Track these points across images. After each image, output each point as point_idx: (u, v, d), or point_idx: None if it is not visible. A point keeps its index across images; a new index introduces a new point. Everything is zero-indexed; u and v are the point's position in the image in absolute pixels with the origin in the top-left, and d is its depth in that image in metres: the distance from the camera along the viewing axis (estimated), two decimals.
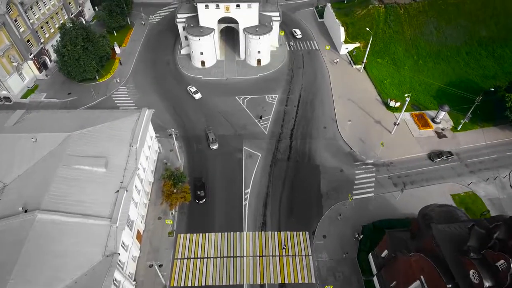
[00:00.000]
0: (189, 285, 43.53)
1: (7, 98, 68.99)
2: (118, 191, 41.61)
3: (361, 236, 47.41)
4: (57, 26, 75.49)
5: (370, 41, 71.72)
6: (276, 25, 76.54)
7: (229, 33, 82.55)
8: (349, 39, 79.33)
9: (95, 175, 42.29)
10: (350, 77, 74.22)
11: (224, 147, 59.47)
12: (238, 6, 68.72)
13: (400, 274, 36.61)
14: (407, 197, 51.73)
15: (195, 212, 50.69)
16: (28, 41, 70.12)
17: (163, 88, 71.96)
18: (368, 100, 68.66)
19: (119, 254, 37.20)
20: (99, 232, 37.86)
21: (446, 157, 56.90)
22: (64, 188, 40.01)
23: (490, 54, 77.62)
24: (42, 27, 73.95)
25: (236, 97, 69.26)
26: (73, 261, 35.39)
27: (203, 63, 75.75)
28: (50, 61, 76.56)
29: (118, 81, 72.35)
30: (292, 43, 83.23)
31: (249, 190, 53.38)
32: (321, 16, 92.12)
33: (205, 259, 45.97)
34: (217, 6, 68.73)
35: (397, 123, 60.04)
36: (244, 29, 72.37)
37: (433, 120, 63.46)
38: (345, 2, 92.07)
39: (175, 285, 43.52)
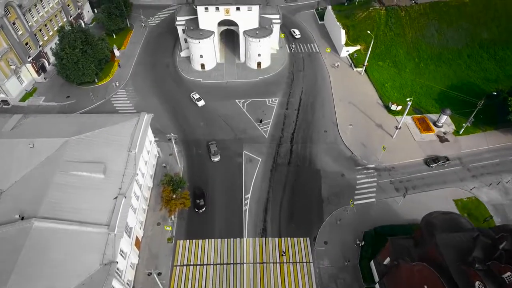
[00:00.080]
0: None
1: (5, 102, 68.43)
2: (116, 197, 41.02)
3: (363, 243, 46.81)
4: (56, 28, 74.84)
5: (371, 44, 71.16)
6: (276, 28, 76.02)
7: (229, 36, 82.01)
8: (350, 41, 78.78)
9: (93, 181, 41.71)
10: (351, 80, 73.65)
11: (225, 152, 58.79)
12: (238, 8, 68.18)
13: (402, 283, 36.01)
14: (409, 203, 51.14)
15: (194, 218, 50.09)
16: (26, 44, 69.56)
17: (162, 91, 71.38)
18: (369, 103, 68.09)
19: (117, 262, 36.60)
20: (97, 240, 37.27)
21: (442, 162, 56.19)
22: (62, 195, 39.44)
23: (492, 57, 77.18)
24: (40, 30, 73.38)
25: (236, 100, 68.69)
26: (70, 270, 34.80)
27: (203, 66, 75.20)
28: (49, 64, 75.98)
29: (117, 84, 71.76)
30: (293, 46, 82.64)
31: (249, 195, 52.80)
32: (322, 19, 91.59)
33: (205, 266, 45.37)
34: (217, 8, 68.21)
35: (399, 127, 59.49)
36: (244, 32, 71.84)
37: (435, 123, 62.88)
38: (346, 4, 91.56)
39: None
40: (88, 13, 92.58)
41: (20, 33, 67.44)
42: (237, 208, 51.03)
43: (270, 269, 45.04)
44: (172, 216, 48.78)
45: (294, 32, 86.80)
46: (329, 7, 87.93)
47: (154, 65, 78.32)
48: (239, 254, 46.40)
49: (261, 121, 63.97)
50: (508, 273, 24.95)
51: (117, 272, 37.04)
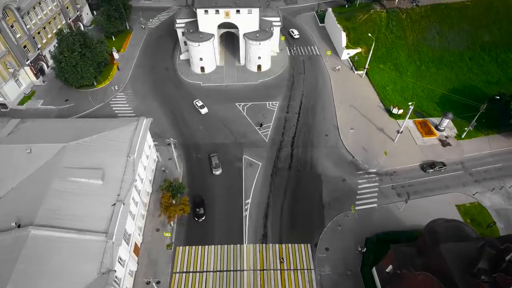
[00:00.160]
0: None
1: (3, 105, 67.74)
2: (114, 204, 40.41)
3: (364, 249, 46.20)
4: (54, 31, 74.10)
5: (373, 46, 70.61)
6: (276, 30, 75.46)
7: (229, 38, 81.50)
8: (351, 44, 78.26)
9: (91, 187, 41.10)
10: (352, 83, 73.11)
11: (225, 156, 58.15)
12: (238, 11, 67.66)
13: None
14: (411, 208, 50.55)
15: (194, 224, 49.44)
16: (25, 47, 68.98)
17: (162, 94, 70.78)
18: (370, 106, 67.53)
19: (115, 271, 35.98)
20: (94, 248, 36.65)
21: (439, 167, 55.48)
22: (59, 202, 38.83)
23: (494, 60, 76.69)
24: (39, 33, 72.77)
25: (236, 103, 68.10)
26: (67, 279, 34.18)
27: (202, 69, 74.64)
28: (48, 67, 75.37)
29: (116, 88, 71.12)
30: (294, 49, 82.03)
31: (249, 201, 52.17)
32: (322, 21, 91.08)
33: (204, 273, 44.72)
34: (217, 11, 67.67)
35: (400, 131, 58.89)
36: (244, 35, 71.30)
37: (436, 127, 62.34)
38: (346, 6, 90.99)
39: None
40: (87, 15, 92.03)
41: (18, 36, 66.86)
42: (237, 213, 50.40)
43: (271, 276, 44.39)
44: (172, 222, 48.15)
45: (293, 32, 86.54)
46: (330, 9, 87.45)
47: (154, 68, 77.75)
48: (239, 261, 45.76)
49: (261, 125, 63.38)
50: None
51: (115, 281, 36.40)
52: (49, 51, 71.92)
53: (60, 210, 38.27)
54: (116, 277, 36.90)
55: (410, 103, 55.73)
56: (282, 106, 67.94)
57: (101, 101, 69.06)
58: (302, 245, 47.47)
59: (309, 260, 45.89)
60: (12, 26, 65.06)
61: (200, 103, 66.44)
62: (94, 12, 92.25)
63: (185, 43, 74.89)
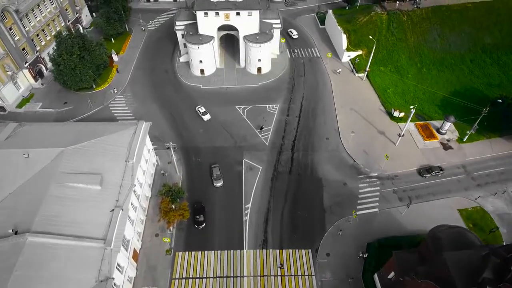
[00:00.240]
0: None
1: (1, 108, 67.26)
2: (113, 210, 39.89)
3: (366, 255, 45.69)
4: (53, 33, 73.59)
5: (373, 49, 70.17)
6: (277, 33, 75.03)
7: (229, 40, 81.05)
8: (351, 46, 77.83)
9: (89, 193, 40.56)
10: (353, 86, 72.65)
11: (225, 160, 57.69)
12: (238, 13, 67.21)
13: None
14: (413, 213, 50.09)
15: (193, 230, 48.88)
16: (23, 49, 68.47)
17: (161, 97, 70.27)
18: (371, 109, 67.05)
19: (114, 278, 35.44)
20: (92, 255, 36.11)
21: (436, 172, 54.89)
22: (57, 208, 38.30)
23: (495, 62, 76.28)
24: (38, 35, 72.27)
25: (236, 106, 67.61)
26: (65, 287, 33.62)
27: (202, 71, 74.16)
28: (46, 69, 74.86)
29: (115, 91, 70.57)
30: (295, 51, 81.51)
31: (249, 205, 51.65)
32: (323, 23, 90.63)
33: (204, 279, 44.19)
34: (217, 13, 67.24)
35: (402, 134, 58.40)
36: (244, 37, 70.85)
37: (438, 130, 61.84)
38: (347, 8, 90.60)
39: None
40: (86, 17, 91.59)
41: (16, 38, 66.36)
42: (237, 218, 49.87)
43: (271, 283, 43.86)
44: (171, 228, 47.62)
45: (292, 33, 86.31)
46: (330, 11, 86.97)
47: (153, 70, 77.27)
48: (239, 267, 45.23)
49: (261, 128, 62.88)
50: None
51: None
52: (48, 53, 71.48)
53: (58, 216, 37.73)
54: (114, 284, 36.37)
55: (412, 107, 55.21)
56: (283, 109, 67.47)
57: (100, 104, 68.58)
58: (303, 250, 46.95)
59: (310, 266, 45.36)
60: (10, 29, 64.58)
61: (202, 109, 65.06)
62: (94, 14, 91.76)
63: (185, 46, 74.41)
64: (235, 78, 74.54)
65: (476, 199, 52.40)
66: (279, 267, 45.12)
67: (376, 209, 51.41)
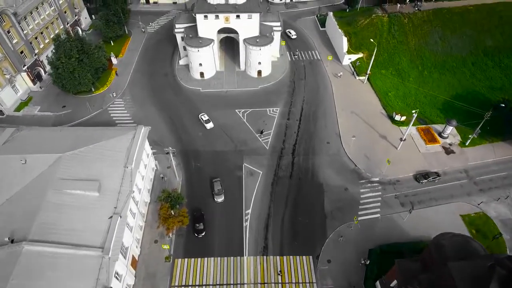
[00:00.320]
0: None
1: None
2: (111, 217, 39.27)
3: (368, 261, 45.07)
4: (52, 36, 73.03)
5: (374, 52, 69.65)
6: (277, 35, 74.53)
7: (229, 43, 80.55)
8: (352, 49, 77.30)
9: (87, 200, 39.94)
10: (354, 89, 72.11)
11: (225, 164, 57.12)
12: (238, 16, 66.73)
13: None
14: (415, 218, 49.49)
15: (193, 236, 48.19)
16: (21, 52, 67.96)
17: (160, 100, 69.71)
18: (373, 113, 66.50)
19: (112, 287, 34.81)
20: (90, 264, 35.45)
21: (433, 178, 54.17)
22: (54, 215, 37.69)
23: (497, 65, 75.75)
24: (36, 38, 71.78)
25: (236, 110, 67.05)
26: None
27: (202, 74, 73.62)
28: (45, 72, 74.34)
29: (115, 95, 69.95)
30: (296, 54, 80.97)
31: (249, 211, 51.04)
32: (323, 25, 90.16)
33: (204, 287, 43.52)
34: (217, 16, 66.73)
35: (404, 138, 57.84)
36: (245, 40, 70.34)
37: (440, 134, 61.28)
38: (347, 11, 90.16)
39: None
40: (85, 19, 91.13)
41: (15, 41, 65.85)
42: (237, 225, 49.24)
43: None
44: (170, 234, 46.99)
45: (290, 33, 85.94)
46: (331, 13, 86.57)
47: (152, 73, 76.75)
48: (240, 274, 44.60)
49: (262, 132, 62.30)
50: None
51: None
52: (47, 56, 70.93)
53: (55, 224, 37.13)
54: None
55: (414, 111, 54.69)
56: (283, 112, 66.90)
57: (99, 108, 68.02)
58: (304, 257, 46.33)
59: (311, 273, 44.73)
60: (8, 32, 64.06)
61: (205, 117, 63.42)
62: (93, 16, 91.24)
63: (185, 48, 73.94)
64: (235, 81, 74.00)
65: (478, 204, 51.80)
66: (278, 274, 44.49)
67: (378, 215, 50.81)
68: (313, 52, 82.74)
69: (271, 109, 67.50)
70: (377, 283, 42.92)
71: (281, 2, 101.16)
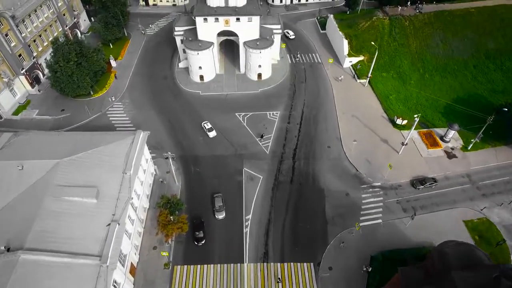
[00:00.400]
0: None
1: None
2: (109, 224, 38.66)
3: (370, 268, 44.46)
4: (51, 39, 72.54)
5: (376, 55, 69.11)
6: (277, 38, 74.00)
7: (229, 46, 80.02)
8: (353, 52, 76.76)
9: (84, 207, 39.32)
10: (354, 92, 71.55)
11: (225, 169, 56.53)
12: (238, 19, 66.20)
13: None
14: (417, 224, 48.86)
15: (193, 243, 47.57)
16: (19, 55, 67.39)
17: (160, 104, 69.10)
18: (374, 116, 65.93)
19: None
20: (88, 273, 34.79)
21: (430, 184, 53.46)
22: (51, 223, 37.06)
23: (498, 68, 75.32)
24: (35, 41, 71.24)
25: (236, 113, 66.47)
26: None
27: (201, 77, 73.05)
28: (43, 75, 73.76)
29: (114, 99, 69.25)
30: (298, 56, 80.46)
31: (250, 217, 50.42)
32: (323, 27, 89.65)
33: None
34: (216, 19, 66.19)
35: (405, 143, 57.26)
36: (245, 43, 69.79)
37: (442, 138, 60.70)
38: (348, 13, 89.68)
39: None
40: (84, 22, 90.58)
41: (13, 44, 65.29)
42: (237, 231, 48.60)
43: None
44: (169, 240, 46.36)
45: (288, 33, 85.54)
46: (331, 16, 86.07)
47: (152, 76, 76.17)
48: (240, 281, 43.97)
49: (262, 136, 61.70)
50: None
51: None
52: (45, 59, 70.29)
53: (52, 231, 36.50)
54: None
55: (416, 116, 54.10)
56: (283, 116, 66.32)
57: (98, 111, 67.43)
58: (305, 264, 45.72)
59: (312, 281, 44.11)
60: (6, 35, 63.51)
61: (208, 125, 62.05)
62: (92, 18, 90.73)
63: (184, 51, 73.38)
64: (235, 84, 73.44)
65: (481, 210, 51.21)
66: (277, 281, 43.88)
67: (380, 220, 50.23)
68: (313, 54, 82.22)
69: (271, 112, 66.94)
70: None
71: (281, 4, 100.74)
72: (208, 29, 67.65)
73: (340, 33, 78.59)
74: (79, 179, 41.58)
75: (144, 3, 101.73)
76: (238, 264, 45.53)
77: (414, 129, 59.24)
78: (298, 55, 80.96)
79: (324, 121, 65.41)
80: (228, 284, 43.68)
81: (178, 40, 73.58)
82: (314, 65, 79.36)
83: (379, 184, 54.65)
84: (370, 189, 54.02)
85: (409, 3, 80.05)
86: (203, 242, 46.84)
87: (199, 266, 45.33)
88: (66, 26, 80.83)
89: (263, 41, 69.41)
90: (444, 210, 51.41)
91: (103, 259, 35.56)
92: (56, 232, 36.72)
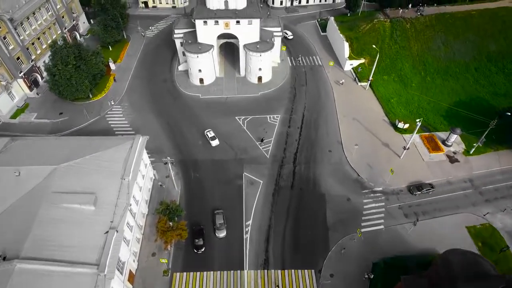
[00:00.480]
0: None
1: None
2: (107, 232, 38.04)
3: (372, 275, 43.83)
4: (49, 42, 72.08)
5: (377, 57, 68.57)
6: (277, 41, 73.48)
7: (229, 48, 79.50)
8: (354, 54, 76.26)
9: (82, 214, 38.71)
10: (355, 96, 71.00)
11: (225, 174, 55.92)
12: (238, 22, 65.69)
13: None
14: (419, 230, 48.23)
15: (192, 249, 46.93)
16: (18, 58, 66.87)
17: (159, 107, 68.52)
18: (375, 120, 65.35)
19: None
20: (85, 282, 34.17)
21: (426, 190, 52.71)
22: (48, 231, 36.45)
23: (500, 70, 74.80)
24: (33, 43, 70.70)
25: (236, 117, 65.88)
26: None
27: (201, 80, 72.49)
28: (42, 78, 73.20)
29: (113, 103, 68.58)
30: (299, 59, 79.90)
31: (250, 222, 49.78)
32: (324, 30, 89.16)
33: None
34: (216, 22, 65.67)
35: (407, 147, 56.68)
36: (245, 46, 69.26)
37: (444, 142, 60.13)
38: (349, 15, 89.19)
39: None
40: (84, 24, 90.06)
41: (11, 47, 64.77)
42: (237, 237, 47.96)
43: None
44: (168, 247, 45.71)
45: (286, 34, 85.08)
46: (332, 18, 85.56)
47: (151, 79, 75.62)
48: None
49: (262, 140, 61.10)
50: None
51: None
52: (44, 62, 69.76)
53: (49, 240, 35.89)
54: None
55: (418, 120, 53.44)
56: (284, 119, 65.74)
57: (97, 114, 66.85)
58: (306, 271, 45.03)
59: None
60: (4, 38, 62.98)
61: (211, 134, 60.64)
62: (91, 20, 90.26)
63: (184, 54, 72.84)
64: (235, 88, 72.88)
65: (484, 215, 50.58)
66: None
67: (381, 226, 49.58)
68: (314, 57, 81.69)
69: (271, 116, 66.36)
70: None
71: (281, 6, 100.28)
72: (208, 32, 67.12)
73: (341, 35, 78.10)
74: (77, 186, 40.98)
75: (143, 5, 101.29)
76: (238, 271, 44.88)
77: (417, 132, 58.73)
78: (299, 58, 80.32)
79: (325, 125, 64.84)
80: None
81: (177, 42, 73.01)
82: (314, 67, 78.83)
83: (381, 189, 54.03)
84: (372, 194, 53.39)
85: (410, 5, 79.63)
86: (203, 249, 46.13)
87: (198, 273, 44.66)
88: (65, 28, 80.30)
89: (264, 44, 68.88)
90: (447, 215, 50.77)
91: (100, 268, 34.92)
92: (53, 240, 36.11)
